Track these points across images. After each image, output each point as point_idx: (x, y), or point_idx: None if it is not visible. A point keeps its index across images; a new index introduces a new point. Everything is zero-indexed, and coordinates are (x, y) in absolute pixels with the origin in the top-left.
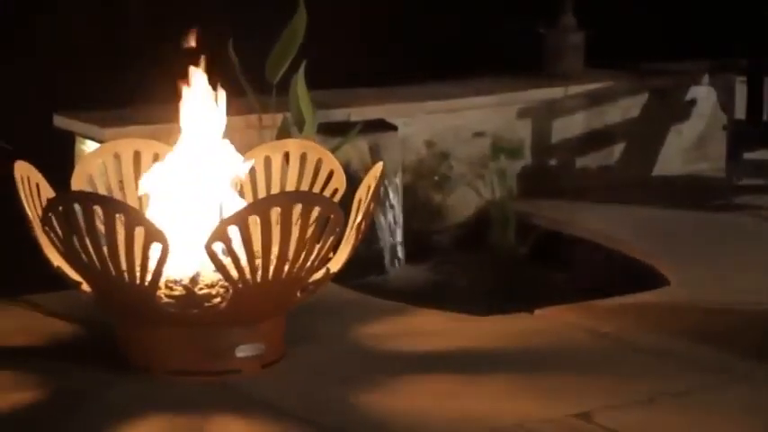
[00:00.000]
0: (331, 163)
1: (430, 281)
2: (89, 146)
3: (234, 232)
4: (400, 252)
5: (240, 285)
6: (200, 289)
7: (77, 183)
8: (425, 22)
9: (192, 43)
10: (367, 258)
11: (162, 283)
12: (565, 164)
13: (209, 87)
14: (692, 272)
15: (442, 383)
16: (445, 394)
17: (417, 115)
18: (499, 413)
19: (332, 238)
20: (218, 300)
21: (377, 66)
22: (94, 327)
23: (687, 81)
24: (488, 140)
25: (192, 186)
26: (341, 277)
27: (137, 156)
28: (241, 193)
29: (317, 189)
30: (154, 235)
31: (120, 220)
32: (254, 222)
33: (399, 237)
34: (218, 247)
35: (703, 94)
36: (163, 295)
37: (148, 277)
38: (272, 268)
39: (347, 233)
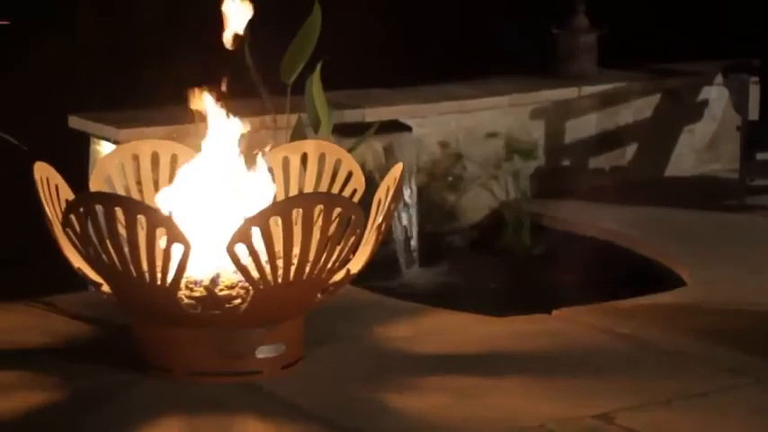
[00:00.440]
0: (350, 164)
1: (445, 282)
2: (104, 146)
3: (255, 233)
4: (415, 253)
5: (261, 286)
6: (221, 290)
7: (96, 183)
8: (439, 24)
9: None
10: (381, 259)
11: (182, 284)
12: (578, 164)
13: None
14: (708, 272)
15: (463, 384)
16: (466, 394)
17: (431, 116)
18: (520, 413)
19: (353, 239)
20: (239, 301)
21: (391, 67)
22: (111, 328)
23: (700, 82)
24: (502, 141)
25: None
26: (356, 279)
27: (155, 157)
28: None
29: (335, 190)
30: (176, 236)
31: (141, 221)
32: (276, 223)
33: (414, 238)
34: (240, 248)
35: (716, 94)
36: (183, 296)
37: (169, 278)
38: (293, 269)
39: (367, 234)
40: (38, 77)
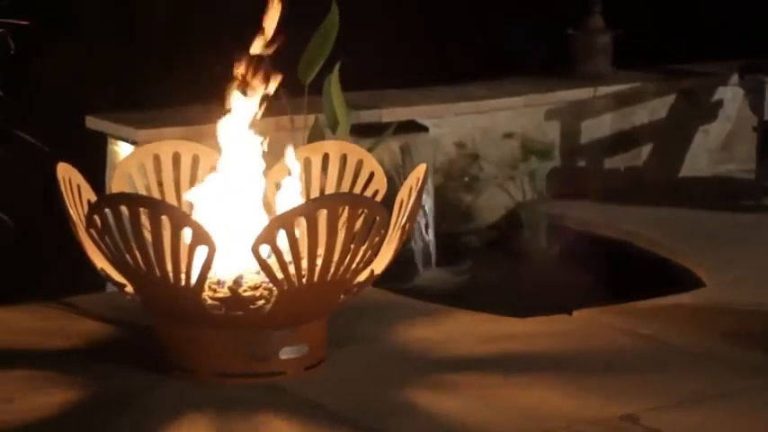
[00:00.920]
0: (371, 164)
1: (462, 282)
2: (121, 147)
3: (280, 234)
4: (432, 253)
5: (285, 287)
6: (244, 291)
7: (117, 184)
8: (455, 24)
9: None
10: (398, 260)
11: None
12: (593, 164)
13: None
14: (726, 273)
15: (486, 384)
16: (490, 395)
17: (448, 116)
18: (545, 414)
19: (377, 240)
20: (263, 302)
21: (406, 67)
22: (132, 329)
23: (715, 82)
24: (518, 141)
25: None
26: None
27: (176, 157)
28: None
29: (357, 191)
30: (200, 237)
31: (166, 222)
32: (301, 224)
33: (431, 238)
34: (264, 249)
35: (731, 95)
36: (207, 297)
37: (194, 279)
38: (317, 270)
39: (390, 234)
40: (55, 78)
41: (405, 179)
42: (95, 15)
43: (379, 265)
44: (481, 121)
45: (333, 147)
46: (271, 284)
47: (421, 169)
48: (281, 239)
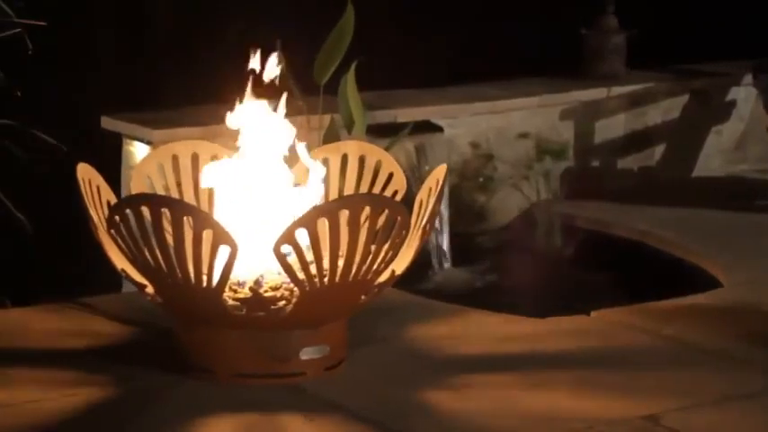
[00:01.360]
0: (391, 165)
1: (477, 283)
2: (137, 147)
3: (302, 235)
4: (447, 254)
5: (307, 288)
6: (265, 291)
7: (137, 184)
8: (469, 24)
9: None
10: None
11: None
12: (606, 164)
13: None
14: (743, 273)
15: (506, 385)
16: (510, 396)
17: (462, 116)
18: (566, 415)
19: (398, 241)
20: (284, 302)
21: (420, 67)
22: (151, 329)
23: (728, 82)
24: (532, 142)
25: (257, 190)
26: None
27: (195, 158)
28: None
29: (376, 191)
30: (222, 237)
31: (188, 223)
32: (322, 225)
33: (446, 238)
34: (286, 249)
35: (744, 94)
36: (228, 298)
37: (215, 280)
38: (339, 271)
39: (410, 235)
40: (70, 78)
41: (420, 179)
42: (111, 16)
43: (400, 265)
44: (496, 121)
45: (351, 147)
46: (292, 285)
47: (441, 170)
48: (303, 239)
